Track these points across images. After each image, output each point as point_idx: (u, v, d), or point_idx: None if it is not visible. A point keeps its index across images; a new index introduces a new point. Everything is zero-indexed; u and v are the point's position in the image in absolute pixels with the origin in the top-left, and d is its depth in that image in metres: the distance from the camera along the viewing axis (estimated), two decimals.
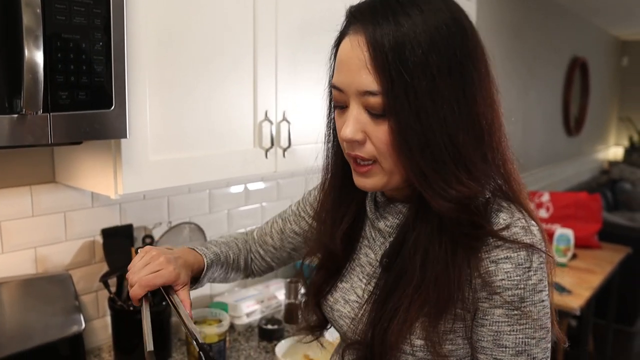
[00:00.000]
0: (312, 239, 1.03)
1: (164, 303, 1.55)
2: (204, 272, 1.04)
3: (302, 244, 1.13)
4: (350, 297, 0.95)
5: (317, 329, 1.03)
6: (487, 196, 0.83)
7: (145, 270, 0.95)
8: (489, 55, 0.83)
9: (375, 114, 0.79)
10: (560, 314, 2.28)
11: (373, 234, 0.95)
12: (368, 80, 0.77)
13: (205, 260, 1.04)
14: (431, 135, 0.76)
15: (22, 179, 1.41)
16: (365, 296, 0.92)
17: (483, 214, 0.81)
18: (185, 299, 0.97)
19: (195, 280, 1.05)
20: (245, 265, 1.18)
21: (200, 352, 0.91)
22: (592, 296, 2.61)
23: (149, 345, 0.91)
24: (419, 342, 0.83)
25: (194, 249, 1.06)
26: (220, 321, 1.59)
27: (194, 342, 0.93)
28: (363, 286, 0.94)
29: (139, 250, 1.02)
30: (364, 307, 0.91)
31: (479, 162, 0.80)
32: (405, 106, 0.75)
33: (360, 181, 0.85)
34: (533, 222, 0.83)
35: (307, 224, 1.11)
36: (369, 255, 0.95)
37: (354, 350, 0.93)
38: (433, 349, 0.82)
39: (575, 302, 2.47)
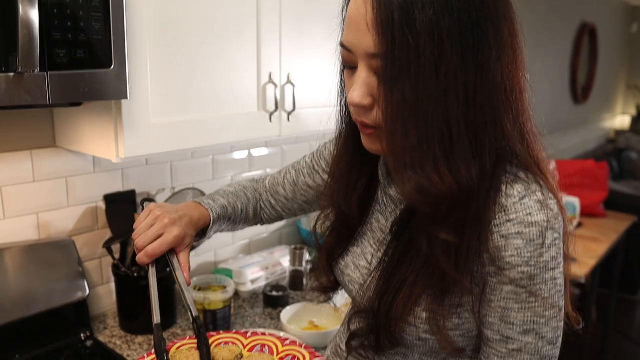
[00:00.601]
0: (325, 196, 0.99)
1: (167, 270, 1.54)
2: (210, 226, 1.03)
3: (315, 197, 1.10)
4: (360, 262, 0.93)
5: (329, 290, 1.01)
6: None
7: (150, 233, 0.94)
8: (516, 11, 0.75)
9: None
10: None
11: (385, 200, 0.92)
12: (374, 41, 0.71)
13: (211, 215, 1.03)
14: (425, 110, 0.70)
15: (22, 143, 1.38)
16: (375, 263, 0.90)
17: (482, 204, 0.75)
18: (184, 262, 0.96)
19: (202, 233, 1.04)
20: (255, 214, 1.16)
21: (193, 324, 0.91)
22: (597, 265, 2.60)
23: (156, 318, 0.90)
24: (424, 314, 0.81)
25: (200, 203, 1.04)
26: (225, 287, 1.57)
27: (189, 313, 0.92)
28: (373, 252, 0.92)
29: (144, 205, 1.01)
30: (372, 274, 0.89)
31: (465, 150, 0.73)
32: (403, 73, 0.69)
33: (367, 143, 0.81)
34: (551, 195, 0.78)
35: (321, 179, 1.08)
36: (380, 220, 0.92)
37: (360, 318, 0.91)
38: (436, 323, 0.80)
39: (581, 270, 2.45)
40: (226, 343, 0.93)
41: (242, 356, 0.90)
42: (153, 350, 0.88)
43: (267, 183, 1.18)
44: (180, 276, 0.94)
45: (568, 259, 0.81)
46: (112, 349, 1.44)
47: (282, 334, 1.42)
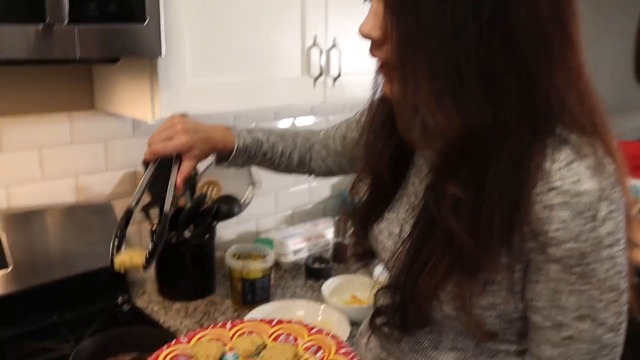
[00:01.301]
0: (360, 147, 0.92)
1: (206, 236, 1.51)
2: (233, 153, 1.04)
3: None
4: (394, 229, 0.85)
5: (362, 257, 0.95)
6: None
7: (161, 135, 1.00)
8: None
9: None
10: None
11: (419, 162, 0.85)
12: None
13: (236, 143, 1.04)
14: (433, 43, 0.64)
15: (61, 104, 1.37)
16: (408, 229, 0.81)
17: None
18: (184, 169, 1.00)
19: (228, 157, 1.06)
20: (301, 162, 1.16)
21: (160, 217, 1.00)
22: None
23: (133, 203, 1.01)
24: (453, 289, 0.73)
25: (231, 129, 1.06)
26: (264, 257, 1.53)
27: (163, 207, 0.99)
28: (407, 219, 0.84)
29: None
30: (402, 243, 0.81)
31: (475, 89, 0.64)
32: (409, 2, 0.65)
33: (385, 87, 0.76)
34: (608, 159, 0.67)
35: None
36: (415, 184, 0.85)
37: (387, 293, 0.84)
38: (463, 301, 0.71)
39: None
40: (250, 333, 0.87)
41: (264, 347, 0.85)
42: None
43: (322, 135, 1.18)
44: (173, 177, 0.99)
45: (631, 245, 0.71)
46: (148, 314, 1.42)
47: (320, 314, 1.38)
